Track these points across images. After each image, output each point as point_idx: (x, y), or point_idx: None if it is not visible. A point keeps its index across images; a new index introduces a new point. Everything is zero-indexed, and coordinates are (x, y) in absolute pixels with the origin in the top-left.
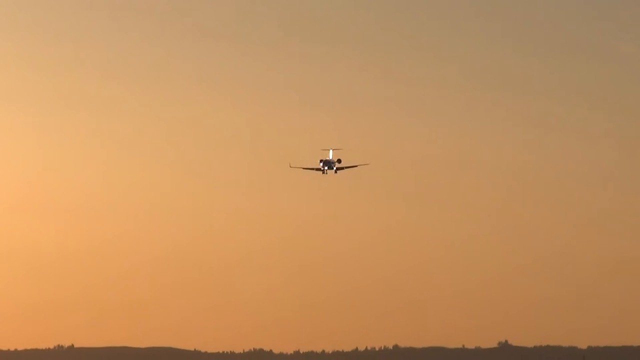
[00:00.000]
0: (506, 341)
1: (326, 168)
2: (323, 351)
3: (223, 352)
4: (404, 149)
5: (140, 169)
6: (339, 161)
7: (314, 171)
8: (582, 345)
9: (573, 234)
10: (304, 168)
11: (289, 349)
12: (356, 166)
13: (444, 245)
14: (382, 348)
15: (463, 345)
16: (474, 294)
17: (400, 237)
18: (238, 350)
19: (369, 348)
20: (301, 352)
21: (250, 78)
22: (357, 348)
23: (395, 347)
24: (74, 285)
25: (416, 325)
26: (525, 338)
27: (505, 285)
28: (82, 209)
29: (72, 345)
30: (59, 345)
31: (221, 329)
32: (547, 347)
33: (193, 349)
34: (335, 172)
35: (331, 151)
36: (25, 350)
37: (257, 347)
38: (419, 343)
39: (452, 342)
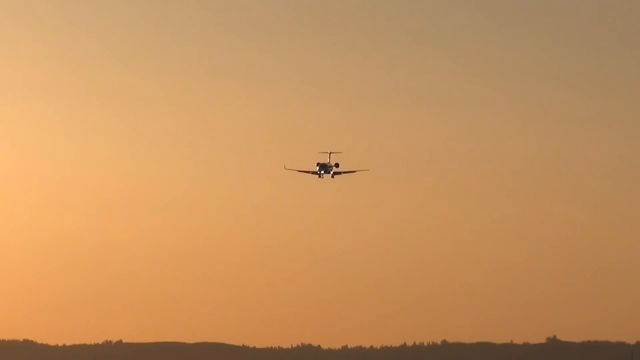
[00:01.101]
0: (555, 336)
1: (322, 172)
2: (371, 346)
3: (271, 347)
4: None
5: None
6: (337, 165)
7: (309, 174)
8: (631, 340)
9: (621, 229)
10: (298, 170)
11: (337, 345)
12: (355, 171)
13: (493, 240)
14: (431, 343)
15: (511, 341)
16: (522, 290)
17: (446, 232)
18: (286, 345)
19: (417, 343)
20: (349, 347)
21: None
22: (405, 343)
23: (444, 342)
24: (122, 280)
25: (465, 321)
26: (573, 333)
27: (554, 280)
28: (127, 203)
29: (121, 341)
30: (107, 341)
31: (269, 324)
32: (596, 342)
33: (241, 344)
34: (332, 176)
35: (329, 154)
36: (74, 346)
37: (306, 342)
38: (467, 338)
39: (500, 338)
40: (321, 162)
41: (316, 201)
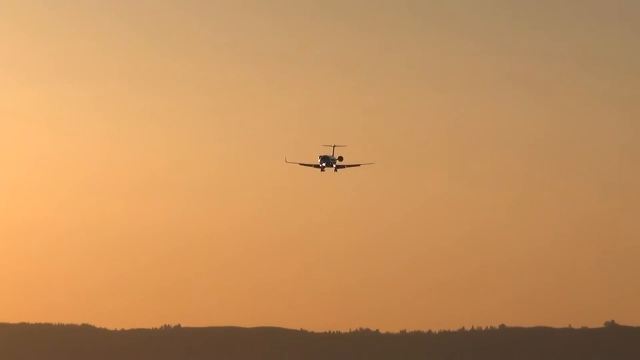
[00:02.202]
0: (613, 321)
1: (324, 164)
2: (429, 331)
3: (329, 332)
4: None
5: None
6: (340, 159)
7: (311, 168)
8: None
9: None
10: (300, 164)
11: (395, 329)
12: (359, 165)
13: (550, 224)
14: (489, 328)
15: (570, 325)
16: (581, 274)
17: (508, 219)
18: (344, 330)
19: (475, 328)
20: (407, 332)
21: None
22: (463, 328)
23: (502, 327)
24: (181, 265)
25: (523, 305)
26: (632, 318)
27: (612, 264)
28: (182, 188)
29: (179, 325)
30: (165, 325)
31: (327, 309)
32: None
33: (299, 329)
34: (335, 170)
35: (333, 147)
36: (132, 330)
37: (364, 327)
38: (525, 323)
39: (558, 322)
40: (324, 154)
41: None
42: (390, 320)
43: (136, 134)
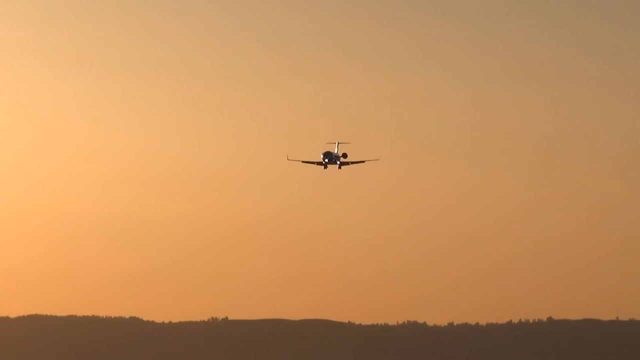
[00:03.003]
0: None
1: (327, 160)
2: (477, 323)
3: (377, 324)
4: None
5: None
6: (345, 155)
7: (314, 165)
8: None
9: None
10: (302, 161)
11: (443, 321)
12: (364, 162)
13: (598, 217)
14: (536, 320)
15: (617, 317)
16: (629, 266)
17: (556, 210)
18: (392, 322)
19: (522, 320)
20: (455, 324)
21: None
22: (511, 320)
23: (550, 319)
24: (228, 258)
25: (570, 298)
26: None
27: None
28: (227, 185)
29: (227, 318)
30: (213, 318)
31: (375, 301)
32: None
33: (347, 321)
34: (340, 167)
35: (337, 145)
36: (180, 323)
37: (411, 319)
38: (573, 315)
39: (606, 314)
40: (327, 151)
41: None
42: (437, 312)
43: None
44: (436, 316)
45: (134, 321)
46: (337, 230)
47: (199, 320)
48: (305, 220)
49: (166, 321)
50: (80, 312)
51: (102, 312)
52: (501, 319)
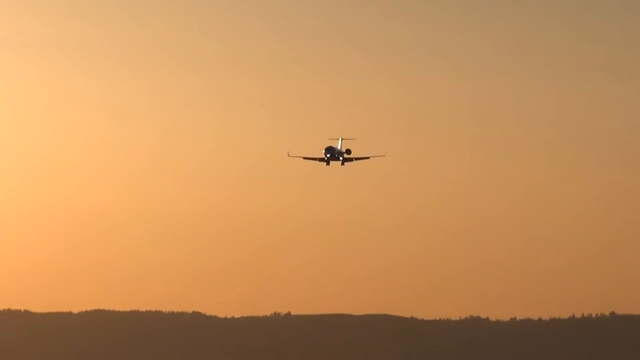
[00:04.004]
0: None
1: (328, 156)
2: (540, 318)
3: (439, 319)
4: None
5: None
6: (348, 151)
7: (316, 162)
8: None
9: None
10: (304, 157)
11: (505, 317)
12: (368, 158)
13: None
14: (599, 315)
15: None
16: None
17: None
18: (454, 317)
19: (585, 315)
20: (517, 319)
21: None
22: (573, 315)
23: (612, 314)
24: (291, 253)
25: (633, 292)
26: None
27: None
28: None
29: (289, 313)
30: (275, 313)
31: (438, 296)
32: None
33: (410, 317)
34: (343, 163)
35: (340, 140)
36: (243, 318)
37: (474, 314)
38: (636, 310)
39: None
40: (329, 146)
41: None
42: (500, 307)
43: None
44: (498, 311)
45: (197, 316)
46: (397, 228)
47: (261, 315)
48: (361, 218)
49: (229, 316)
50: (143, 307)
51: (165, 307)
52: (564, 313)
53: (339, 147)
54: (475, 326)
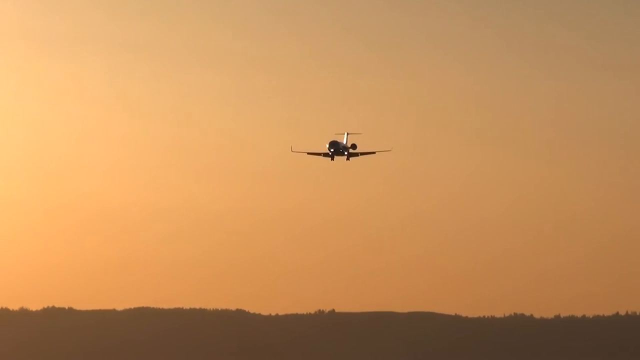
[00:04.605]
0: None
1: (332, 150)
2: (583, 316)
3: (483, 316)
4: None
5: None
6: (354, 146)
7: (320, 157)
8: None
9: None
10: (308, 153)
11: (549, 314)
12: (374, 152)
13: None
14: None
15: None
16: None
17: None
18: (498, 314)
19: (629, 312)
20: (561, 316)
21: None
22: (617, 312)
23: None
24: (335, 251)
25: None
26: None
27: None
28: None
29: (333, 310)
30: (319, 310)
31: (481, 293)
32: None
33: (454, 314)
34: (348, 159)
35: (346, 135)
36: (286, 315)
37: (518, 311)
38: None
39: None
40: (333, 140)
41: None
42: (544, 304)
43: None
44: (542, 309)
45: (240, 314)
46: (437, 225)
47: (305, 312)
48: (408, 215)
49: (272, 313)
50: (186, 304)
51: (209, 304)
52: (608, 311)
53: (344, 142)
54: (519, 323)
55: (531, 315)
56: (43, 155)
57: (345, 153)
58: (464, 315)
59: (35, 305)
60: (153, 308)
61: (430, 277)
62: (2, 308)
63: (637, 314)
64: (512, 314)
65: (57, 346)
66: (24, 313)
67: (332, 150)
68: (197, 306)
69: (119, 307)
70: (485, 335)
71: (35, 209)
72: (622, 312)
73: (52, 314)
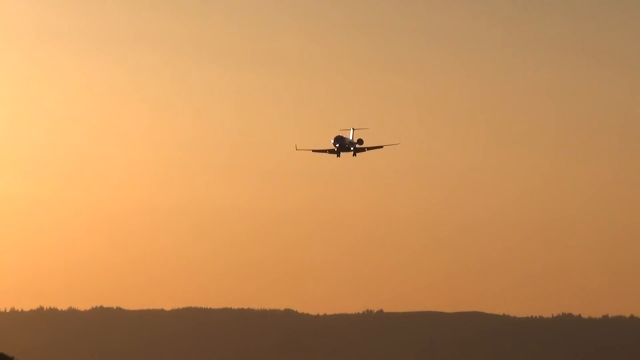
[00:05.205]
0: None
1: (337, 145)
2: (632, 316)
3: (531, 316)
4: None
5: None
6: (360, 142)
7: (326, 154)
8: None
9: None
10: (313, 150)
11: (597, 314)
12: (382, 147)
13: None
14: None
15: None
16: None
17: None
18: (546, 315)
19: None
20: (610, 316)
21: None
22: None
23: None
24: (382, 250)
25: None
26: None
27: None
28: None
29: (381, 310)
30: (367, 310)
31: (530, 294)
32: None
33: (502, 314)
34: (354, 154)
35: (352, 131)
36: (334, 315)
37: (566, 311)
38: None
39: None
40: (338, 135)
41: None
42: (592, 304)
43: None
44: (590, 308)
45: (289, 313)
46: (487, 225)
47: (353, 312)
48: (453, 216)
49: (321, 313)
50: (235, 304)
51: (257, 304)
52: None
53: (350, 138)
54: (566, 323)
55: (579, 315)
56: (91, 158)
57: (352, 149)
58: (511, 315)
59: (83, 305)
60: (201, 308)
61: (478, 276)
62: (50, 308)
63: None
64: (560, 314)
65: (106, 346)
66: (72, 313)
67: (337, 145)
68: (245, 306)
69: (167, 307)
70: (533, 335)
71: (84, 210)
72: None
73: (100, 313)
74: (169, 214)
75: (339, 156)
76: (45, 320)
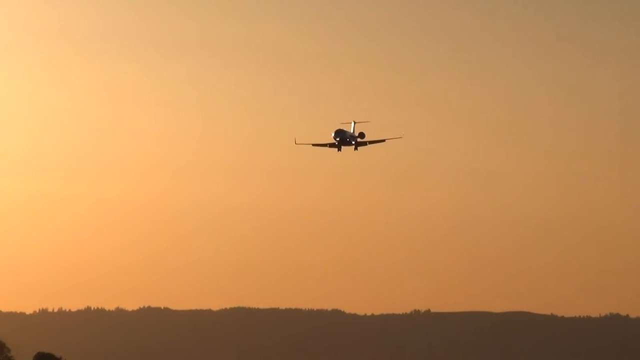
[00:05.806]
0: None
1: (338, 139)
2: None
3: (579, 316)
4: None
5: None
6: (361, 135)
7: (326, 148)
8: None
9: None
10: (313, 144)
11: None
12: (384, 140)
13: None
14: None
15: None
16: None
17: None
18: (594, 314)
19: None
20: None
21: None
22: None
23: None
24: (431, 251)
25: None
26: None
27: None
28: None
29: (429, 310)
30: (415, 310)
31: (578, 293)
32: None
33: (549, 314)
34: (356, 148)
35: (353, 124)
36: (382, 315)
37: (614, 311)
38: None
39: None
40: (339, 129)
41: None
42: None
43: None
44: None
45: (336, 313)
46: (525, 221)
47: (401, 312)
48: (507, 217)
49: (368, 313)
50: (282, 304)
51: (305, 304)
52: None
53: (351, 131)
54: (614, 323)
55: (627, 315)
56: (127, 157)
57: (353, 142)
58: (559, 315)
59: (131, 305)
60: (249, 308)
61: (526, 277)
62: (98, 308)
63: None
64: (608, 314)
65: (153, 346)
66: (120, 313)
67: (338, 139)
68: (293, 306)
69: (215, 307)
70: (580, 334)
71: (128, 210)
72: None
73: (147, 313)
74: (221, 217)
75: (340, 150)
76: (93, 320)
